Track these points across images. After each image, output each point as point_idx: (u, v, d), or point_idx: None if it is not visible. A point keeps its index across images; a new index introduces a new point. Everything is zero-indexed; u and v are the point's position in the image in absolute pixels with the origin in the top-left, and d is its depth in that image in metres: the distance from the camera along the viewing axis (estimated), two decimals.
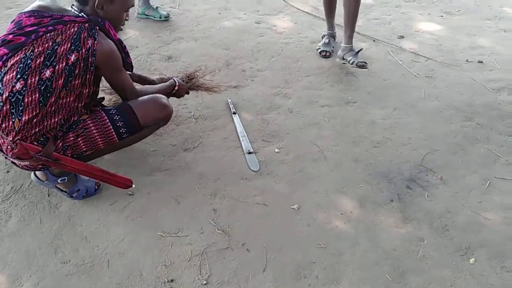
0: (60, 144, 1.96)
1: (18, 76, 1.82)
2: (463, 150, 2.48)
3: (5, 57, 1.85)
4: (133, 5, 2.08)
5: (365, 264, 1.89)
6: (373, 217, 2.09)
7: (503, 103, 2.84)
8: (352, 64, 3.13)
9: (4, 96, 1.83)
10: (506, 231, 2.03)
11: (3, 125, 1.86)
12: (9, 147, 1.89)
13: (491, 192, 2.23)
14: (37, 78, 1.82)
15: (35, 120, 1.85)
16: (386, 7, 4.12)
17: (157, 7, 3.84)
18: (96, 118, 2.03)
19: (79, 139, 1.98)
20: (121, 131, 2.06)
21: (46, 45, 1.83)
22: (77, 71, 1.86)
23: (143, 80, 2.50)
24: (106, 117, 2.04)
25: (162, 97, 2.20)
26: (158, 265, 1.87)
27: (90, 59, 1.87)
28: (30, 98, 1.82)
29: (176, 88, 2.42)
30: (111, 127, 2.04)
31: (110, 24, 1.97)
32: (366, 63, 3.10)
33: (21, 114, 1.83)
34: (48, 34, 1.84)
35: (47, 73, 1.82)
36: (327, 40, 3.39)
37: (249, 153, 2.41)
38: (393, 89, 2.99)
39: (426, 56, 3.34)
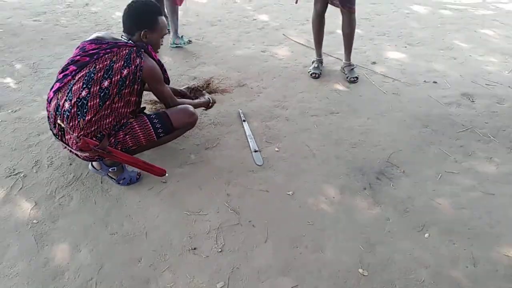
0: (113, 140, 1.99)
1: (84, 86, 1.89)
2: (421, 150, 2.47)
3: (74, 72, 1.94)
4: (166, 33, 2.14)
5: (344, 237, 1.88)
6: (351, 201, 2.08)
7: (453, 114, 2.82)
8: (347, 78, 3.26)
9: (73, 101, 1.89)
10: (453, 213, 2.02)
11: (71, 124, 1.91)
12: (74, 141, 1.92)
13: (442, 183, 2.21)
14: (98, 87, 1.88)
15: (94, 119, 1.90)
16: (362, 40, 4.10)
17: (182, 36, 3.88)
18: (140, 121, 2.06)
19: (127, 136, 2.02)
20: (158, 131, 2.09)
21: (105, 62, 1.90)
22: (127, 82, 1.91)
23: (174, 91, 2.52)
24: (147, 120, 2.08)
25: (190, 107, 2.24)
26: (184, 236, 1.87)
27: (138, 73, 1.93)
28: (92, 102, 1.88)
29: (210, 104, 2.52)
30: (151, 127, 2.07)
31: (151, 47, 2.04)
32: (357, 78, 3.26)
33: (85, 115, 1.88)
34: (107, 55, 1.91)
35: (105, 83, 1.88)
36: (316, 65, 3.39)
37: (255, 151, 2.41)
38: (367, 102, 2.97)
39: (393, 78, 3.32)
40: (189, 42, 3.90)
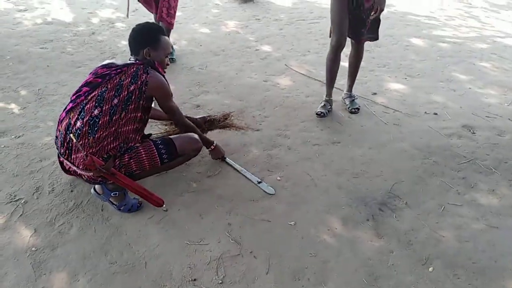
0: (117, 162, 2.00)
1: (96, 105, 1.95)
2: (423, 182, 2.46)
3: (87, 93, 2.01)
4: (170, 52, 2.18)
5: (347, 270, 1.85)
6: (353, 233, 2.06)
7: (454, 146, 2.83)
8: (348, 108, 3.27)
9: (85, 120, 1.94)
10: (457, 246, 1.99)
11: (81, 142, 1.94)
12: (81, 160, 1.93)
13: (445, 215, 2.20)
14: (109, 105, 1.94)
15: (102, 137, 1.94)
16: (363, 71, 4.15)
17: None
18: (146, 145, 2.09)
19: (131, 160, 2.03)
20: (163, 156, 2.11)
21: (115, 81, 1.99)
22: (133, 98, 1.97)
23: (188, 119, 2.54)
24: (153, 145, 2.10)
25: (195, 135, 2.27)
26: (184, 267, 1.85)
27: (143, 88, 1.99)
28: (103, 120, 1.93)
29: (213, 147, 2.49)
30: (155, 152, 2.09)
31: (158, 63, 2.11)
32: (358, 109, 3.26)
33: (95, 132, 1.93)
34: (117, 75, 2.00)
35: (115, 101, 1.95)
36: (323, 104, 3.24)
37: (259, 182, 2.39)
38: (368, 133, 2.99)
39: (394, 109, 3.35)
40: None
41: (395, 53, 4.70)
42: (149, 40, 2.09)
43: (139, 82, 1.98)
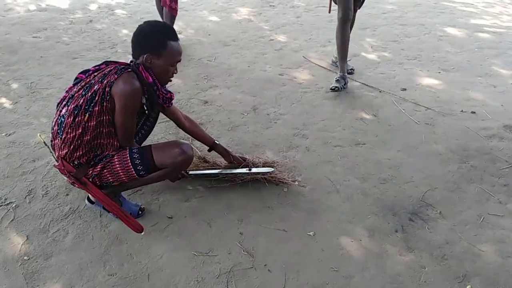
0: (91, 171, 2.00)
1: (65, 103, 1.98)
2: (459, 189, 2.43)
3: (70, 89, 2.03)
4: (179, 60, 2.05)
5: (373, 287, 1.84)
6: (380, 245, 2.05)
7: (494, 149, 2.79)
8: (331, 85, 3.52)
9: (55, 119, 2.00)
10: (499, 262, 1.96)
11: (53, 142, 2.03)
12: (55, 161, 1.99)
13: (484, 226, 2.17)
14: (74, 105, 1.94)
15: (67, 139, 1.94)
16: (391, 64, 4.14)
17: None
18: (121, 155, 2.03)
19: (105, 170, 2.02)
20: (138, 168, 2.02)
21: (88, 79, 1.98)
22: (97, 98, 1.91)
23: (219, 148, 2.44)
24: (128, 156, 2.02)
25: (183, 144, 2.08)
26: (191, 280, 1.85)
27: (106, 89, 1.90)
28: (67, 120, 1.94)
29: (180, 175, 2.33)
30: (130, 164, 2.02)
31: (143, 68, 1.97)
32: (353, 70, 3.81)
33: (62, 133, 1.96)
34: (95, 73, 1.99)
35: (81, 101, 1.93)
36: (337, 79, 3.54)
37: (250, 169, 2.39)
38: (397, 133, 2.97)
39: (426, 106, 3.32)
40: None
41: (427, 44, 4.66)
42: (152, 45, 1.95)
43: (104, 82, 1.91)
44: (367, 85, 3.62)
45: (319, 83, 3.70)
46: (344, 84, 3.52)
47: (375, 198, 2.35)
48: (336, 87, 3.44)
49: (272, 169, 2.39)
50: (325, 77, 3.82)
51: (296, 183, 2.43)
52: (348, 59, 3.62)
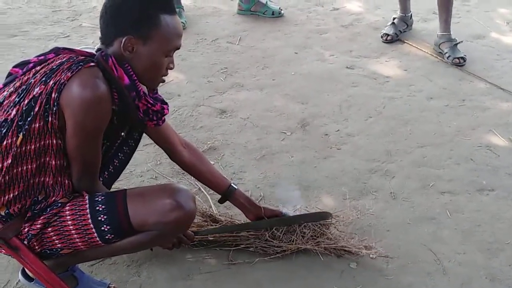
0: (27, 229, 1.94)
1: None
2: None
3: None
4: (179, 47, 2.03)
5: None
6: None
7: None
8: (448, 58, 3.66)
9: None
10: None
11: None
12: None
13: None
14: (2, 119, 1.87)
15: None
16: None
17: (267, 1, 4.25)
18: (76, 205, 1.97)
19: (49, 228, 1.94)
20: (103, 228, 1.96)
21: (26, 78, 1.91)
22: (36, 109, 1.84)
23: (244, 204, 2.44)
24: (87, 207, 1.97)
25: (180, 191, 2.06)
26: None
27: (53, 95, 1.84)
28: None
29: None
30: (91, 222, 1.96)
31: (115, 60, 1.93)
32: (464, 59, 3.67)
33: None
34: (39, 66, 1.92)
35: (12, 112, 1.86)
36: (391, 22, 3.84)
37: None
38: None
39: None
40: (280, 14, 4.44)
41: None
42: (136, 23, 1.93)
43: (50, 83, 1.85)
44: (500, 87, 3.58)
45: (416, 83, 3.68)
46: (404, 29, 3.86)
47: (510, 286, 2.27)
48: (387, 35, 3.76)
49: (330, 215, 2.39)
50: (428, 72, 3.79)
51: (373, 254, 2.38)
52: (459, 41, 3.74)
